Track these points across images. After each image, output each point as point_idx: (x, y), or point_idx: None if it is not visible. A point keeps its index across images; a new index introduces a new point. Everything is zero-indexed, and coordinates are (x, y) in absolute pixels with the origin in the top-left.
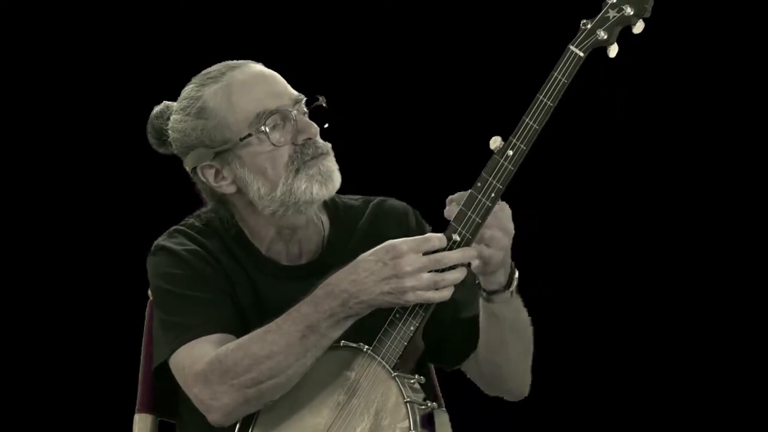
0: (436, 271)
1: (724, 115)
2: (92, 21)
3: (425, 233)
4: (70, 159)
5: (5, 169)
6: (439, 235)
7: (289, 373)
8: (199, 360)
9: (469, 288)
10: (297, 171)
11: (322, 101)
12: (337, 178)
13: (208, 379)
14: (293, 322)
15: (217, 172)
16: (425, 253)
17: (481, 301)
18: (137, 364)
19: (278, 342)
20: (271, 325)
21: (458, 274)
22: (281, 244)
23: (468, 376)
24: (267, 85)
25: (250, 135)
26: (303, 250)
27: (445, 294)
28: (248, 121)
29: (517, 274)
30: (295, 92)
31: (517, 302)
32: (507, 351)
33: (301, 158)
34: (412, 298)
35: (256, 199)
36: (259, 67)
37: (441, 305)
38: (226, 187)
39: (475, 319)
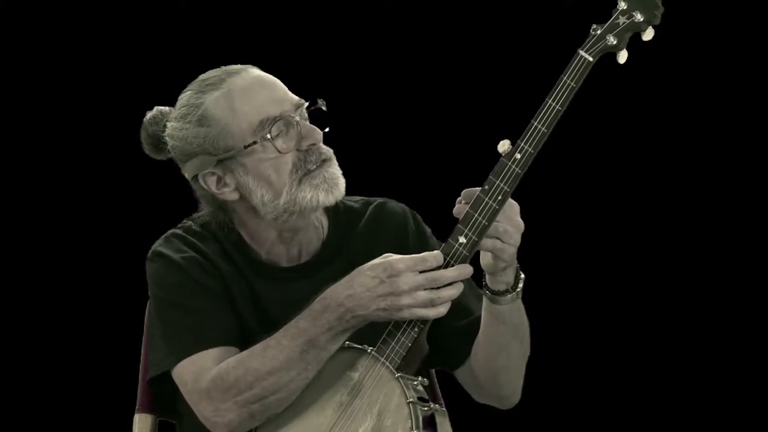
0: (433, 287)
1: (728, 119)
2: (91, 21)
3: (424, 237)
4: (70, 160)
5: (4, 172)
6: (436, 253)
7: (291, 387)
8: (200, 376)
9: (473, 291)
10: (300, 181)
11: (321, 105)
12: (342, 184)
13: (212, 396)
14: (292, 337)
15: (219, 179)
16: (422, 271)
17: (485, 303)
18: (137, 364)
19: (278, 358)
20: (270, 341)
21: (454, 291)
22: (281, 247)
23: (459, 381)
24: (268, 91)
25: (254, 143)
26: (303, 251)
27: (441, 310)
28: (252, 128)
29: (522, 276)
30: (295, 97)
31: (521, 305)
32: (508, 355)
33: (305, 166)
34: (407, 315)
35: (260, 205)
36: (258, 72)
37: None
38: (229, 194)
39: (477, 321)
